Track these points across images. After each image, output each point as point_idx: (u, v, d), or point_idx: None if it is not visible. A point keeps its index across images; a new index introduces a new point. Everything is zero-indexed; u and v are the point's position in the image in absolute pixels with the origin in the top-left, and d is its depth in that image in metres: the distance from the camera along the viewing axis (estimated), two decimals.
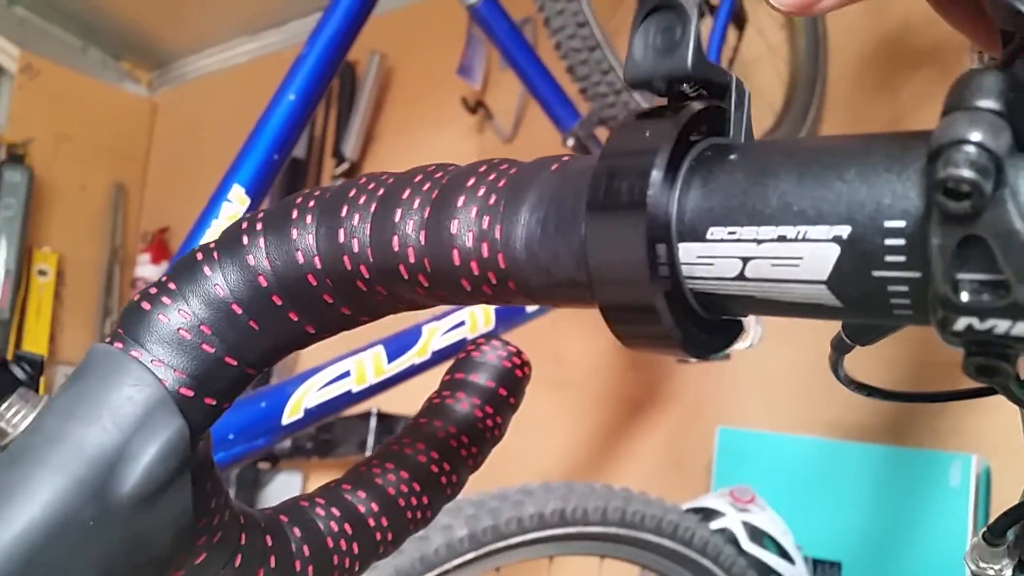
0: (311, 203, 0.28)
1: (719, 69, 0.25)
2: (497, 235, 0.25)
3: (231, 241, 0.28)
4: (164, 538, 0.26)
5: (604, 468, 1.76)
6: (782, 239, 0.21)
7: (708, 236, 0.22)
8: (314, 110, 0.88)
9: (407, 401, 1.55)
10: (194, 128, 2.97)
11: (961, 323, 0.18)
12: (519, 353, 0.43)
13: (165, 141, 3.12)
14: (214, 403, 0.27)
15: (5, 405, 0.54)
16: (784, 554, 1.24)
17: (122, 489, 0.25)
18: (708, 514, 1.25)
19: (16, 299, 2.53)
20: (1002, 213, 0.17)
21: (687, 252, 0.22)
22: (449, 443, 0.39)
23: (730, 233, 0.21)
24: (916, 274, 0.19)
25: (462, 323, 0.92)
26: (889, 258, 0.19)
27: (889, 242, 0.19)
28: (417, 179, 0.28)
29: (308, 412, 0.79)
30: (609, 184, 0.23)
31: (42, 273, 2.64)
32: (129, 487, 0.25)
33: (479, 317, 0.94)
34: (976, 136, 0.17)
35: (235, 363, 0.27)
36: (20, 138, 2.63)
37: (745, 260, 0.21)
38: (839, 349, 0.41)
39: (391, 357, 0.85)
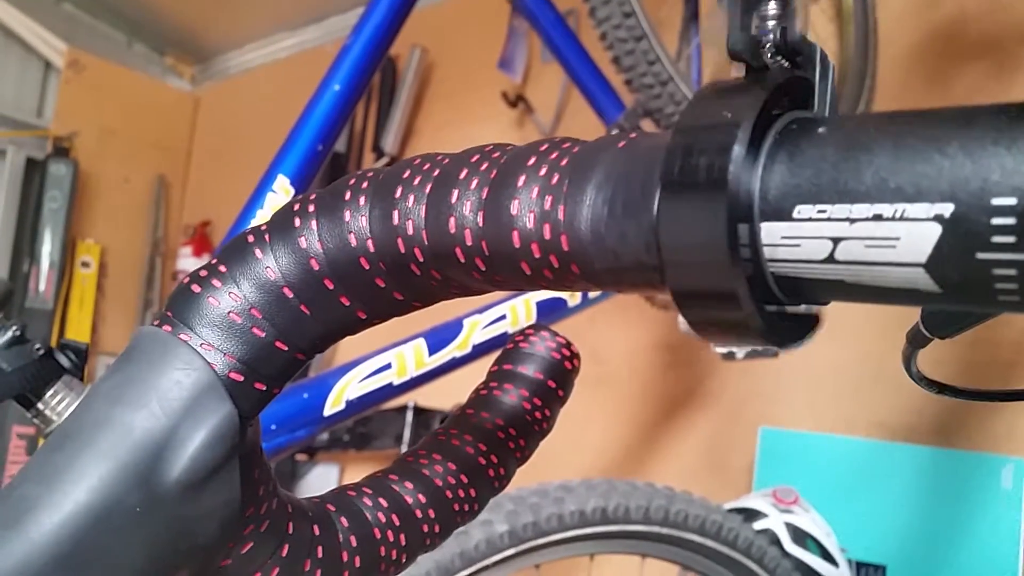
0: (364, 184, 0.28)
1: (803, 38, 0.23)
2: (560, 216, 0.24)
3: (283, 223, 0.27)
4: (210, 526, 0.25)
5: (644, 467, 1.75)
6: (877, 218, 0.19)
7: (795, 215, 0.20)
8: (358, 101, 0.87)
9: (444, 395, 1.55)
10: (235, 122, 3.00)
11: None
12: (568, 344, 0.41)
13: (207, 135, 3.15)
14: (264, 389, 0.27)
15: (50, 393, 0.54)
16: (828, 556, 1.22)
17: (169, 475, 0.24)
18: (750, 515, 1.23)
19: (60, 290, 2.58)
20: None
21: (770, 233, 0.21)
22: (497, 435, 0.38)
23: (819, 212, 0.20)
24: None
25: (503, 317, 0.91)
26: (996, 239, 0.18)
27: (997, 221, 0.17)
28: (474, 159, 0.26)
29: (350, 404, 0.78)
30: (685, 160, 0.21)
31: (85, 265, 2.68)
32: (176, 474, 0.24)
33: (520, 311, 0.93)
34: None
35: (285, 348, 0.27)
36: (66, 132, 2.68)
37: (836, 241, 0.20)
38: (915, 343, 0.39)
39: (432, 350, 0.85)
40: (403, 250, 0.26)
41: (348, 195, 0.27)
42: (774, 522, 1.23)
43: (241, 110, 3.01)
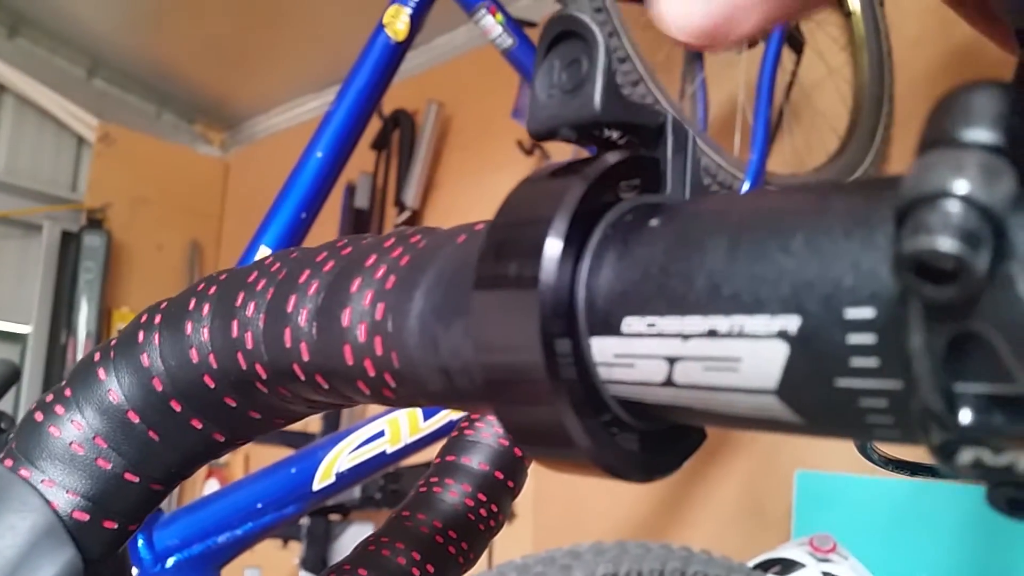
0: (212, 290, 0.25)
1: (646, 108, 0.20)
2: (390, 327, 0.20)
3: (128, 338, 0.25)
4: None
5: (678, 517, 1.69)
6: (712, 334, 0.15)
7: (623, 329, 0.17)
8: (343, 167, 0.86)
9: None
10: (265, 185, 3.02)
11: (967, 455, 0.13)
12: None
13: (238, 199, 3.20)
14: (115, 527, 0.24)
15: None
16: None
17: None
18: (787, 565, 1.18)
19: None
20: (1007, 298, 0.12)
21: (602, 349, 0.17)
22: (434, 540, 0.34)
23: (649, 325, 0.16)
24: (896, 384, 0.13)
25: None
26: (856, 362, 0.14)
27: (854, 339, 0.14)
28: (320, 257, 0.23)
29: (340, 476, 0.76)
30: (498, 261, 0.18)
31: None
32: None
33: None
34: (961, 187, 0.12)
35: (136, 479, 0.24)
36: (99, 203, 2.73)
37: (672, 361, 0.16)
38: None
39: (428, 414, 0.82)
40: (244, 367, 0.23)
41: (193, 303, 0.25)
42: (811, 572, 1.17)
43: (270, 172, 3.04)
